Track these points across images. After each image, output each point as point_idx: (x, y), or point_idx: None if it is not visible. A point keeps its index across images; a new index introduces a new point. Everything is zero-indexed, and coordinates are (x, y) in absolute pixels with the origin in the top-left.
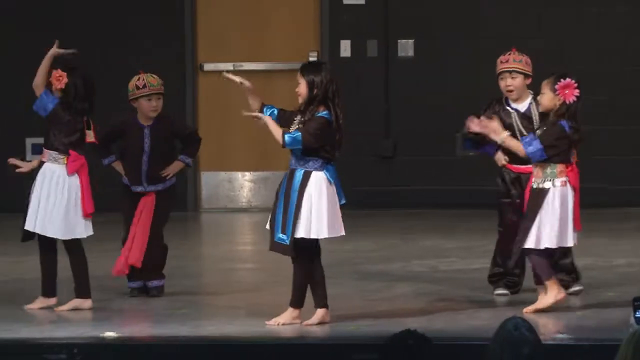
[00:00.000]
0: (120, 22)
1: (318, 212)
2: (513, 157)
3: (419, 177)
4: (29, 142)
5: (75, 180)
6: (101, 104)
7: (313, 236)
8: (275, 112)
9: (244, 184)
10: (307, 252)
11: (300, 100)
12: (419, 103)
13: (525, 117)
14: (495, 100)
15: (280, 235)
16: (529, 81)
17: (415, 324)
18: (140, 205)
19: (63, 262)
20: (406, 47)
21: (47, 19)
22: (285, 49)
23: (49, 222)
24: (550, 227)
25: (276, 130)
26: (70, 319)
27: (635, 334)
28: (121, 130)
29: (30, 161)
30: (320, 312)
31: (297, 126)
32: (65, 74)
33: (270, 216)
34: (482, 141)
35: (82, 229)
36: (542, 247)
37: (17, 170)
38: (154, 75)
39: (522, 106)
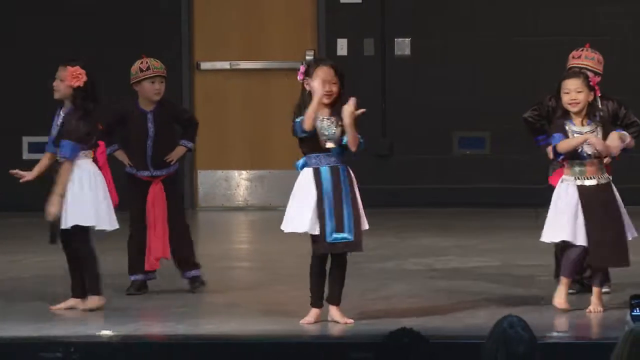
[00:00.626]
0: (117, 21)
1: (360, 204)
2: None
3: (416, 175)
4: (26, 140)
5: (100, 173)
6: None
7: (366, 227)
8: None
9: (241, 183)
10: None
11: (329, 100)
12: (415, 102)
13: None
14: (553, 94)
15: (336, 235)
16: (598, 79)
17: (412, 323)
18: (150, 197)
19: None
20: (403, 46)
21: (45, 19)
22: (282, 47)
23: (103, 215)
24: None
25: (355, 134)
26: (67, 317)
27: (631, 331)
28: (122, 117)
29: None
30: (316, 312)
31: (333, 125)
32: (85, 72)
33: (312, 219)
34: (537, 131)
35: (115, 221)
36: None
37: (22, 180)
38: (156, 59)
39: None
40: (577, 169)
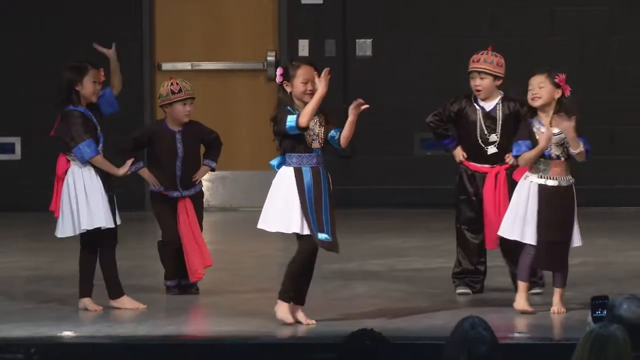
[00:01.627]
0: (78, 22)
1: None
2: (470, 154)
3: (378, 176)
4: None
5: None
6: None
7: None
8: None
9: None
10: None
11: (309, 98)
12: (377, 103)
13: (490, 116)
14: (465, 95)
15: (320, 235)
16: (499, 82)
17: (373, 324)
18: (181, 212)
19: (22, 262)
20: (364, 47)
21: (39, 19)
22: (243, 48)
23: (109, 215)
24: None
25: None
26: (28, 318)
27: (591, 332)
28: (149, 138)
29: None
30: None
31: (317, 125)
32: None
33: (300, 219)
34: (440, 135)
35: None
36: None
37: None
38: (186, 80)
39: (489, 105)
40: (541, 167)
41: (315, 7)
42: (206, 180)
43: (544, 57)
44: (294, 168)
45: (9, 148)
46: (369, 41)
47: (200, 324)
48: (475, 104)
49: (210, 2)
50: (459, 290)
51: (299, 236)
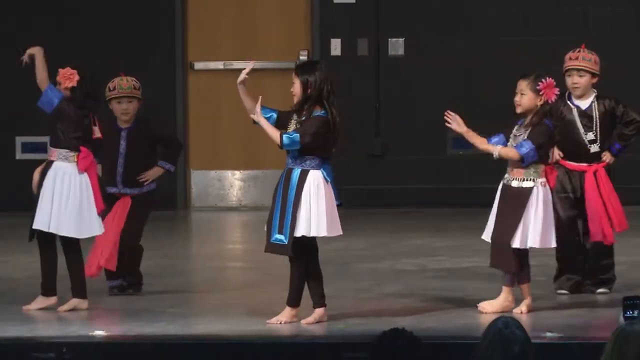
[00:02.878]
0: (111, 22)
1: (317, 210)
2: (568, 153)
3: (409, 176)
4: (19, 140)
5: (86, 177)
6: None
7: (313, 234)
8: (275, 115)
9: (234, 183)
10: (305, 251)
11: (295, 100)
12: (409, 102)
13: (586, 114)
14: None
15: (277, 235)
16: (595, 80)
17: (404, 323)
18: (114, 208)
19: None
20: (396, 46)
21: (40, 18)
22: (276, 47)
23: (64, 221)
24: (533, 228)
25: (273, 132)
26: (60, 318)
27: (617, 330)
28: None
29: None
30: (318, 312)
31: (294, 126)
32: (76, 71)
33: (267, 218)
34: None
35: (97, 226)
36: (528, 247)
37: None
38: (129, 79)
39: (584, 104)
40: (508, 168)
41: (348, 6)
42: (238, 180)
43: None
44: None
45: (41, 147)
46: (401, 40)
47: (231, 324)
48: (569, 103)
49: (243, 1)
50: (559, 292)
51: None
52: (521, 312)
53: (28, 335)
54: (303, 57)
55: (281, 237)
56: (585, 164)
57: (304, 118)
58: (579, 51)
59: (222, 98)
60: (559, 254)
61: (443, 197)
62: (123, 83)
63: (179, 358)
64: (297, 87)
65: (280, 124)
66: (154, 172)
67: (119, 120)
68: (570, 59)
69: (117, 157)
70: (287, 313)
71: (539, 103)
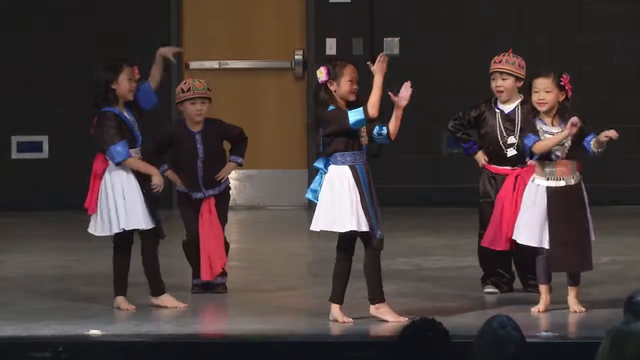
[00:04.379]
0: (106, 22)
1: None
2: (491, 157)
3: (404, 175)
4: (14, 139)
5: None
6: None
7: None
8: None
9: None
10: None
11: (355, 97)
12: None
13: (509, 118)
14: (484, 100)
15: (378, 232)
16: (520, 84)
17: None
18: (203, 210)
19: (47, 260)
20: (392, 45)
21: (35, 18)
22: (271, 47)
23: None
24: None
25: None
26: (56, 317)
27: (613, 328)
28: (170, 140)
29: None
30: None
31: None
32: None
33: (362, 216)
34: (461, 140)
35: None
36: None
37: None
38: (200, 80)
39: (508, 107)
40: (547, 169)
41: (343, 6)
42: (233, 179)
43: (571, 55)
44: (349, 166)
45: (37, 147)
46: (396, 40)
47: (227, 323)
48: (494, 107)
49: (238, 1)
50: (487, 290)
51: (363, 235)
52: (539, 311)
53: (24, 335)
54: (298, 57)
55: (380, 232)
56: (508, 168)
57: None
58: (503, 55)
59: (217, 97)
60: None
61: (438, 196)
62: (197, 84)
63: (176, 357)
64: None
65: None
66: (229, 169)
67: (190, 123)
68: (494, 62)
69: (196, 161)
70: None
71: (561, 99)
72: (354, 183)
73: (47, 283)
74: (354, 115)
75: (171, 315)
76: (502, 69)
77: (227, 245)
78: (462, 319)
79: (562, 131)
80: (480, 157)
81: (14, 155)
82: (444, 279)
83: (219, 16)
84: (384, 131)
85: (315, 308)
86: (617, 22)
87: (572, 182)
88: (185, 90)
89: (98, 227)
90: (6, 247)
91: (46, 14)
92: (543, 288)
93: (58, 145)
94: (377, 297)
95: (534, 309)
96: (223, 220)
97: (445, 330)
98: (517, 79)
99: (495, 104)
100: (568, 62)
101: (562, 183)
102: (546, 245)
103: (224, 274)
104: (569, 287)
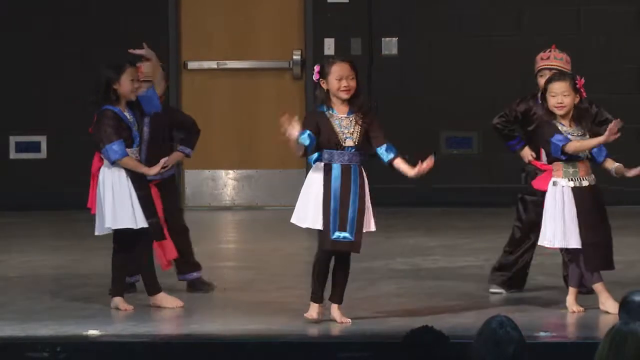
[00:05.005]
0: (105, 21)
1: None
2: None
3: (402, 175)
4: (13, 140)
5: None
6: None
7: (373, 229)
8: (308, 133)
9: (228, 182)
10: None
11: (351, 94)
12: (402, 101)
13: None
14: (530, 94)
15: (339, 233)
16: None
17: (398, 322)
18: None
19: (44, 260)
20: (390, 45)
21: (31, 20)
22: (269, 47)
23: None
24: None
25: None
26: (54, 317)
27: (612, 328)
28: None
29: None
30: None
31: (352, 124)
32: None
33: (316, 214)
34: (507, 137)
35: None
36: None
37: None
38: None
39: None
40: (570, 170)
41: (341, 6)
42: (232, 179)
43: (570, 55)
44: (324, 164)
45: (35, 147)
46: (394, 40)
47: (225, 323)
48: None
49: (236, 0)
50: (493, 290)
51: (318, 233)
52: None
53: (22, 335)
54: (296, 57)
55: (344, 234)
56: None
57: (358, 114)
58: (550, 51)
59: (215, 97)
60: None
61: (437, 196)
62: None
63: (173, 358)
64: (355, 81)
65: (315, 132)
66: (175, 157)
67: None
68: (542, 59)
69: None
70: (337, 311)
71: (577, 102)
72: (322, 181)
73: (45, 283)
74: (304, 136)
75: (168, 315)
76: (550, 65)
77: (185, 232)
78: (461, 319)
79: (601, 135)
80: (527, 153)
81: (12, 155)
82: (442, 279)
83: (218, 16)
84: (385, 158)
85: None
86: (617, 22)
87: (593, 182)
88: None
89: (96, 226)
90: (4, 247)
91: (44, 14)
92: (572, 290)
93: (56, 145)
94: (313, 296)
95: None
96: (174, 210)
97: (442, 334)
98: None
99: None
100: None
101: (585, 183)
102: (574, 246)
103: (197, 268)
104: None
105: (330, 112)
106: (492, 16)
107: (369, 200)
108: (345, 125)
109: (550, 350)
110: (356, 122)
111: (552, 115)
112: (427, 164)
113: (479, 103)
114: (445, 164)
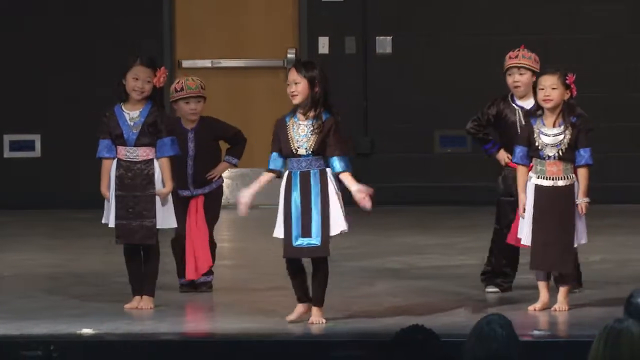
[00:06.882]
0: (99, 21)
1: (342, 206)
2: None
3: (397, 174)
4: (7, 139)
5: None
6: (84, 100)
7: (348, 230)
8: (275, 155)
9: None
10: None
11: (300, 99)
12: (397, 100)
13: (529, 114)
14: (501, 97)
15: (302, 239)
16: (535, 78)
17: (393, 321)
18: (191, 209)
19: (42, 259)
20: (384, 44)
21: (26, 18)
22: (263, 46)
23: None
24: (582, 225)
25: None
26: (48, 316)
27: (606, 327)
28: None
29: None
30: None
31: (304, 129)
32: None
33: (282, 223)
34: (481, 141)
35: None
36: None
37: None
38: (194, 78)
39: (527, 104)
40: (538, 167)
41: (336, 4)
42: (226, 178)
43: (565, 55)
44: (287, 172)
45: (30, 145)
46: (389, 38)
47: (218, 322)
48: (513, 104)
49: (231, 0)
50: (489, 289)
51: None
52: (535, 310)
53: (15, 334)
54: (291, 56)
55: (308, 239)
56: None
57: (314, 121)
58: (518, 50)
59: (210, 96)
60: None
61: (431, 194)
62: (190, 83)
63: (168, 356)
64: (303, 86)
65: (279, 146)
66: (222, 168)
67: (184, 120)
68: (510, 57)
69: (186, 159)
70: (315, 312)
71: (566, 97)
72: (284, 189)
73: (39, 282)
74: (274, 163)
75: (162, 314)
76: (519, 63)
77: (214, 245)
78: (455, 318)
79: (560, 133)
80: (503, 156)
81: (7, 154)
82: (436, 278)
83: (212, 15)
84: (334, 169)
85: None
86: (612, 22)
87: (560, 183)
88: (179, 90)
89: None
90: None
91: (39, 14)
92: (540, 285)
93: (51, 144)
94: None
95: (531, 307)
96: (213, 219)
97: (433, 332)
98: (534, 73)
99: (513, 100)
100: (562, 62)
101: (548, 183)
102: (526, 242)
103: (209, 272)
104: (559, 286)
105: (294, 119)
106: (487, 15)
107: (338, 202)
108: (301, 132)
109: (543, 348)
110: (313, 129)
111: (541, 109)
112: (365, 197)
113: (473, 102)
114: (439, 163)
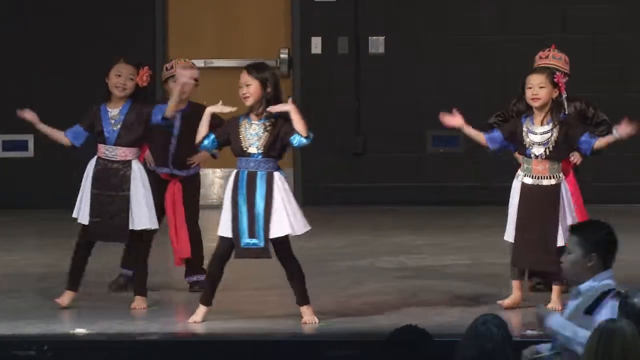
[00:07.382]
0: (91, 22)
1: (292, 208)
2: None
3: (390, 173)
4: (0, 138)
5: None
6: (75, 99)
7: (297, 232)
8: (212, 136)
9: (215, 181)
10: (289, 249)
11: (252, 100)
12: (389, 100)
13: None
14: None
15: (248, 240)
16: (565, 80)
17: (385, 321)
18: (168, 196)
19: (34, 259)
20: (377, 44)
21: (19, 19)
22: (256, 45)
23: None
24: (566, 224)
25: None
26: (41, 316)
27: (600, 327)
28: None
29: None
30: (309, 309)
31: (257, 129)
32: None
33: (230, 224)
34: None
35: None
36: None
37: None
38: (186, 60)
39: None
40: (525, 165)
41: (328, 4)
42: (218, 177)
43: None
44: (235, 171)
45: (22, 145)
46: (381, 38)
47: (210, 322)
48: None
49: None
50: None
51: (220, 240)
52: (504, 306)
53: (9, 333)
54: (283, 56)
55: (254, 240)
56: None
57: (266, 120)
58: (549, 50)
59: (202, 96)
60: None
61: (423, 194)
62: (181, 62)
63: (160, 356)
64: (254, 88)
65: (222, 138)
66: (202, 156)
67: None
68: (541, 57)
69: (170, 138)
70: (305, 311)
71: (554, 96)
72: (230, 189)
73: (32, 282)
74: (205, 142)
75: (155, 314)
76: (549, 64)
77: (200, 243)
78: (447, 317)
79: (547, 131)
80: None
81: (0, 154)
82: (428, 278)
83: (204, 15)
84: (298, 139)
85: (296, 307)
86: (602, 21)
87: (545, 182)
88: (169, 69)
89: None
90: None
91: (31, 13)
92: (514, 284)
93: (43, 144)
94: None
95: (500, 302)
96: (193, 210)
97: (426, 332)
98: (563, 74)
99: None
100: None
101: (529, 181)
102: (509, 239)
103: (202, 272)
104: (553, 286)
105: (247, 119)
106: (478, 16)
107: (284, 206)
108: (252, 132)
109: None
110: (265, 129)
111: (531, 108)
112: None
113: (465, 102)
114: (431, 163)
